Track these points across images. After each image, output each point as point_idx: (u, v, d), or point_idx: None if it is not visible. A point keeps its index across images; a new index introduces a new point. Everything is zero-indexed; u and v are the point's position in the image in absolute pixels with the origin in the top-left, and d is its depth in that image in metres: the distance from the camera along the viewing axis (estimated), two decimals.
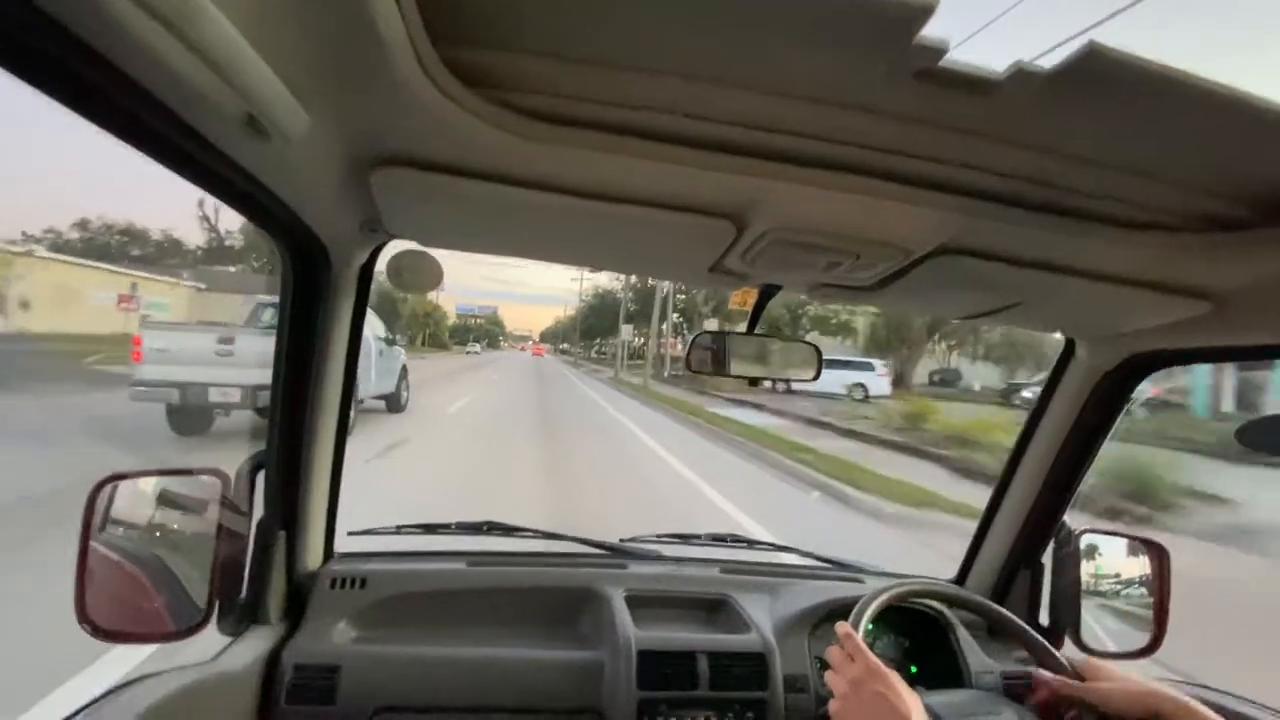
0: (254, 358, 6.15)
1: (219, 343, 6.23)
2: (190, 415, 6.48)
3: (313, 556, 1.05)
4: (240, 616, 0.93)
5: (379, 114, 0.54)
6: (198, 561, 0.88)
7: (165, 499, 0.89)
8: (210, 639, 0.90)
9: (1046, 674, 0.87)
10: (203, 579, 0.87)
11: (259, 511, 0.95)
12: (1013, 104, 0.50)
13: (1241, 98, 0.47)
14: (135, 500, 0.87)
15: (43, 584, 2.84)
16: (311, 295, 0.87)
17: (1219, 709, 0.76)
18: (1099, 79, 0.46)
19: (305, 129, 0.51)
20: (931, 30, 0.43)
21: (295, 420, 0.93)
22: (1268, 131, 0.50)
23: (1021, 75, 0.46)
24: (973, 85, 0.48)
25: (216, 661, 0.86)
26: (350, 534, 1.19)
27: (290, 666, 0.92)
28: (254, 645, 0.91)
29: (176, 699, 0.74)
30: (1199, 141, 0.53)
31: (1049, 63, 0.47)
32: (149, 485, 0.88)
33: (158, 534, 0.89)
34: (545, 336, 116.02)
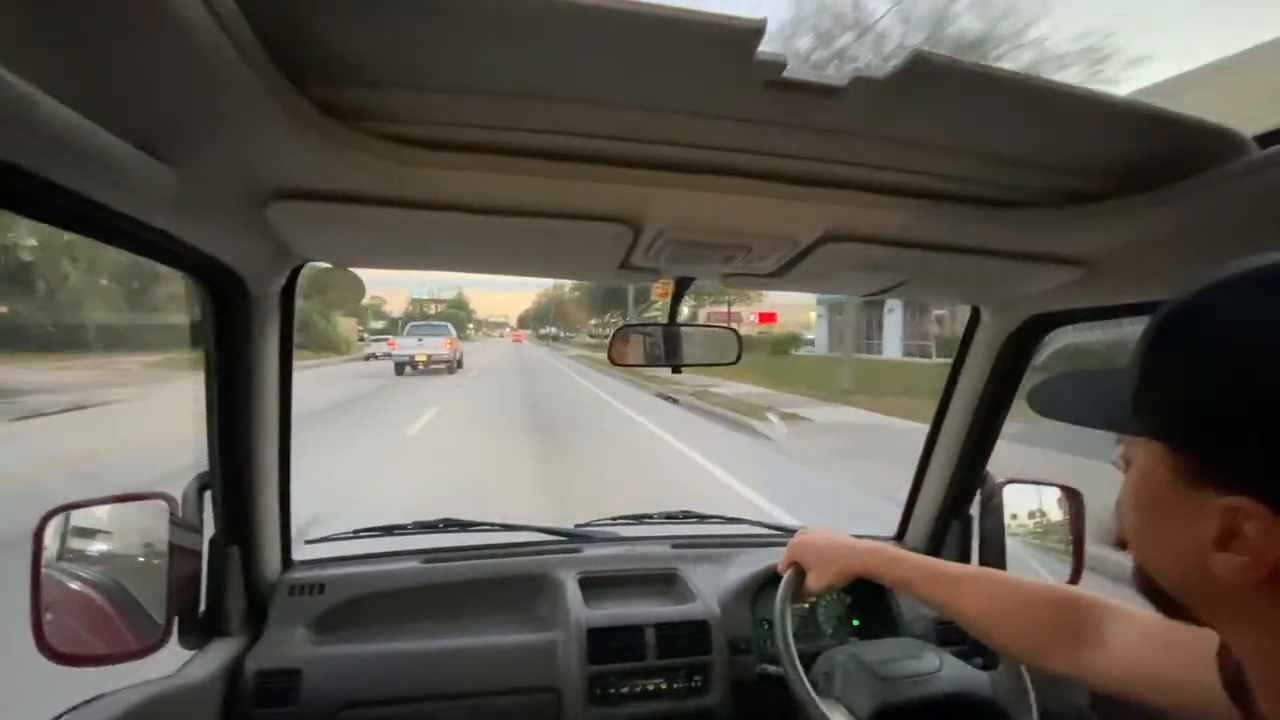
0: (432, 344, 18.00)
1: (418, 339, 18.09)
2: (401, 366, 17.73)
3: (270, 567, 1.08)
4: (201, 631, 0.96)
5: (256, 157, 0.57)
6: (154, 581, 0.91)
7: (116, 524, 0.92)
8: (180, 656, 0.95)
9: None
10: (160, 598, 0.90)
11: (210, 530, 0.98)
12: (860, 106, 0.54)
13: (1058, 88, 0.52)
14: (86, 528, 0.90)
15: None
16: (234, 321, 0.89)
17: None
18: (930, 80, 0.50)
19: (174, 183, 0.53)
20: (769, 45, 0.47)
21: (235, 440, 0.96)
22: (1084, 116, 0.55)
23: (861, 81, 0.51)
24: (819, 92, 0.52)
25: (179, 674, 0.90)
26: (308, 542, 1.22)
27: (253, 674, 0.96)
28: (216, 656, 0.95)
29: (141, 711, 0.77)
30: (1035, 127, 0.58)
31: (883, 70, 0.51)
32: (98, 513, 0.91)
33: (111, 558, 0.91)
34: (524, 321, 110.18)
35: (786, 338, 28.21)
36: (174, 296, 20.79)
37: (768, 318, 33.16)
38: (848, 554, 0.87)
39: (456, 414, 9.86)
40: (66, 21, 0.37)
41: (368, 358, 25.12)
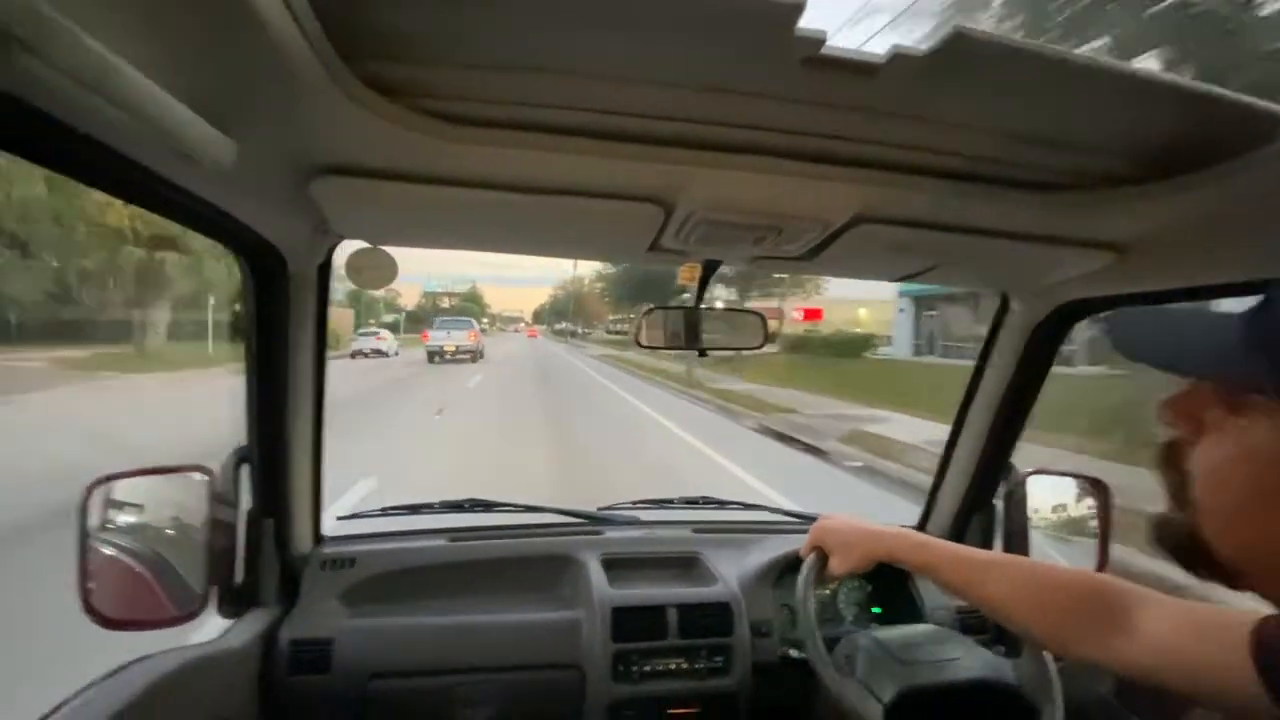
0: (459, 336, 21.16)
1: (447, 332, 21.30)
2: (433, 356, 20.55)
3: (302, 541, 1.11)
4: (238, 600, 0.99)
5: (305, 131, 0.59)
6: (193, 552, 0.94)
7: (156, 495, 0.95)
8: (215, 624, 0.97)
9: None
10: (199, 568, 0.93)
11: (247, 503, 1.01)
12: (897, 84, 0.54)
13: (1097, 66, 0.52)
14: (128, 498, 0.93)
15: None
16: (274, 297, 0.92)
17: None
18: (971, 58, 0.50)
19: (234, 155, 0.55)
20: (809, 21, 0.47)
21: (273, 416, 0.98)
22: (1127, 95, 0.55)
23: (900, 58, 0.51)
24: (856, 69, 0.52)
25: (219, 640, 0.93)
26: (339, 518, 1.25)
27: (287, 642, 0.99)
28: (252, 625, 0.98)
29: (182, 673, 0.80)
30: (1073, 107, 0.58)
31: (923, 47, 0.51)
32: (140, 484, 0.94)
33: (152, 529, 0.95)
34: (539, 316, 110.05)
35: (858, 338, 21.71)
36: (129, 284, 16.70)
37: (813, 314, 28.58)
38: (871, 539, 0.87)
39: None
40: None
41: (354, 355, 22.64)
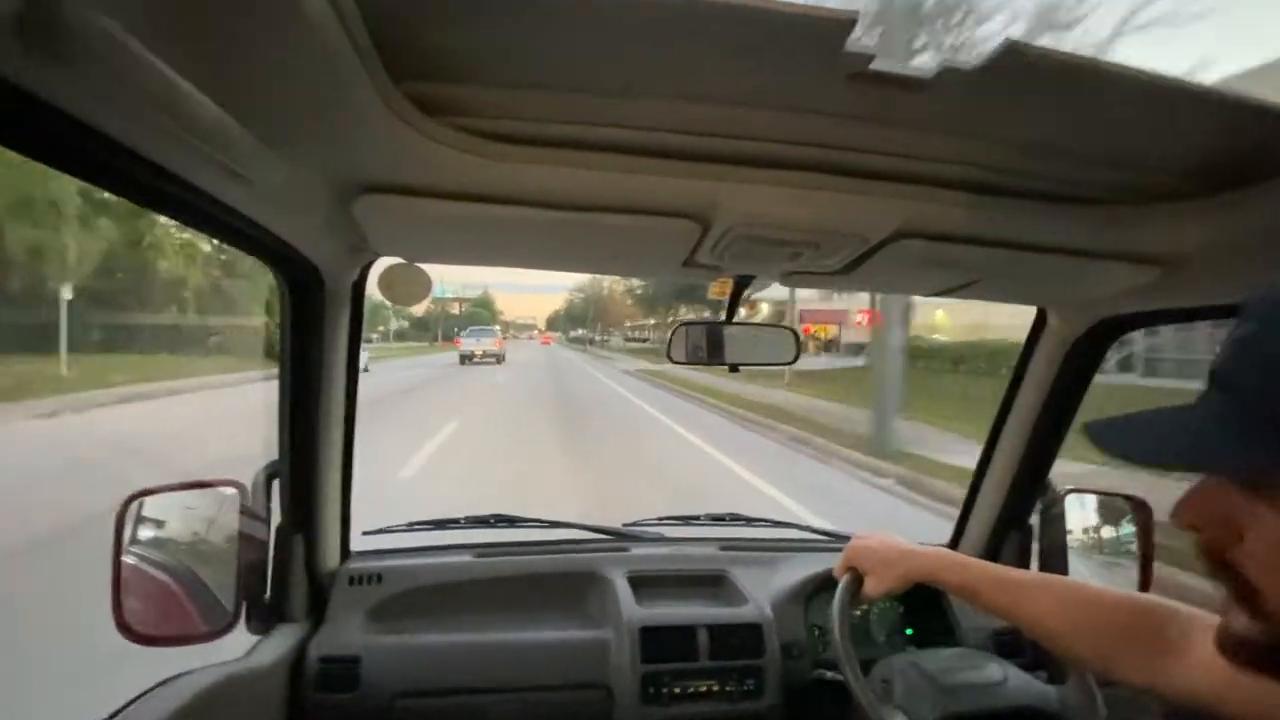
0: (487, 342, 26.17)
1: (478, 339, 26.48)
2: (465, 359, 24.61)
3: (330, 557, 1.11)
4: (267, 616, 0.99)
5: (353, 150, 0.59)
6: (223, 567, 0.94)
7: (189, 510, 0.96)
8: (244, 638, 0.97)
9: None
10: (229, 583, 0.93)
11: (276, 518, 1.01)
12: (945, 99, 0.53)
13: (1152, 80, 0.50)
14: (161, 513, 0.93)
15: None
16: (309, 313, 0.92)
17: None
18: (1020, 73, 0.49)
19: (285, 174, 0.55)
20: (860, 36, 0.46)
21: (305, 431, 0.98)
22: (1180, 109, 0.53)
23: (949, 73, 0.50)
24: (904, 84, 0.51)
25: (249, 657, 0.93)
26: (365, 533, 1.25)
27: (316, 659, 0.99)
28: (282, 641, 0.98)
29: (216, 691, 0.80)
30: (1121, 121, 0.56)
31: (973, 61, 0.50)
32: (172, 499, 0.94)
33: (184, 543, 0.95)
34: (553, 323, 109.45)
35: (1005, 347, 15.25)
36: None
37: (877, 317, 25.51)
38: (908, 559, 0.85)
39: None
40: (210, 8, 0.39)
41: None
